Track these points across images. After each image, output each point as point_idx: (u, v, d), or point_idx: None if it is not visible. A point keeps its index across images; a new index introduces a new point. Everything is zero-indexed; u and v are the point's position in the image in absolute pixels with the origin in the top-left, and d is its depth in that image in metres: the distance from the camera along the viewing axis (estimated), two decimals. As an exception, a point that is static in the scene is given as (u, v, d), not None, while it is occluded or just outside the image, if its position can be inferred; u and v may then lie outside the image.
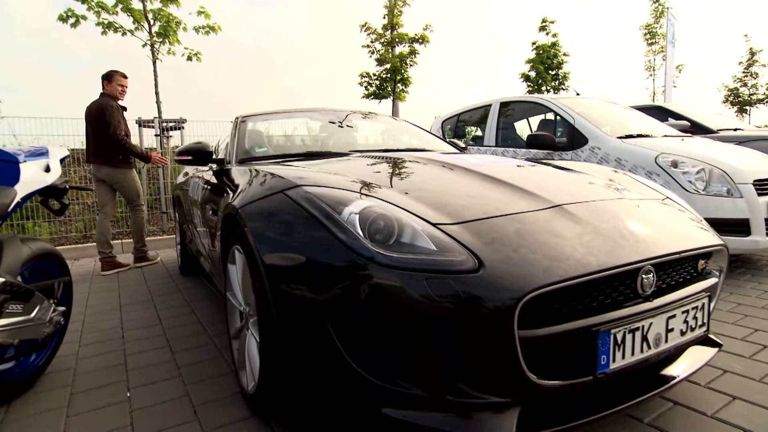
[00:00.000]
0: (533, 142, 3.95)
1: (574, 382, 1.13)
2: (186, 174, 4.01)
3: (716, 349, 1.55)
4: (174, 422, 1.59)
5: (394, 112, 11.55)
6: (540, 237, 1.18)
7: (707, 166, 3.14)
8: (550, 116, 4.35)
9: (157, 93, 8.00)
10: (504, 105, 4.78)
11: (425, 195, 1.39)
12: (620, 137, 3.62)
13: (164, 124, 7.01)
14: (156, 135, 6.26)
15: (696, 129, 5.56)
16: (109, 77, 4.14)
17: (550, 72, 13.42)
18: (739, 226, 3.08)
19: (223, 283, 1.91)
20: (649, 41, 16.99)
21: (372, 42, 11.31)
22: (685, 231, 1.44)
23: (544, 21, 13.45)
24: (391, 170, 1.71)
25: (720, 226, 3.07)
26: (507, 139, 4.69)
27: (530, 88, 13.81)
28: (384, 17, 11.37)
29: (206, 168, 2.75)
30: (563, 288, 1.09)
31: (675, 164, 3.20)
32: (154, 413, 1.66)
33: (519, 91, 14.23)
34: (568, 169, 1.88)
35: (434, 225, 1.20)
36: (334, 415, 1.27)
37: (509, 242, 1.16)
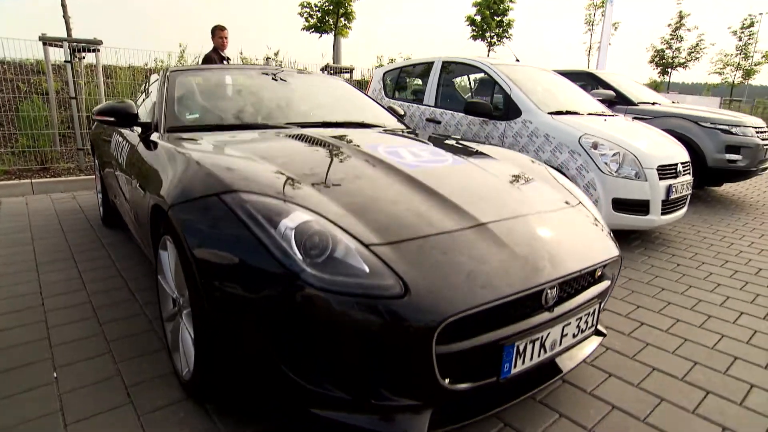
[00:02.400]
0: (471, 109, 4.04)
1: (480, 384, 1.32)
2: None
3: (601, 338, 1.82)
4: (108, 406, 1.62)
5: (336, 48, 11.00)
6: (462, 261, 1.30)
7: (622, 150, 3.43)
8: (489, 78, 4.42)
9: (63, 6, 7.03)
10: (446, 64, 4.77)
11: (359, 205, 1.44)
12: (551, 113, 3.81)
13: (74, 45, 6.20)
14: (66, 61, 5.54)
15: (620, 99, 5.94)
16: (212, 32, 5.27)
17: (495, 18, 13.31)
18: (640, 206, 3.45)
19: (154, 265, 1.88)
20: (592, -6, 17.22)
21: (315, -33, 10.45)
22: (590, 245, 1.63)
23: (494, -38, 13.08)
24: (326, 165, 1.72)
25: (625, 205, 3.44)
26: (446, 99, 4.74)
27: (474, 33, 13.69)
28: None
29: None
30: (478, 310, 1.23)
31: (595, 146, 3.46)
32: (85, 396, 1.67)
33: (463, 33, 14.08)
34: (492, 170, 1.95)
35: (367, 246, 1.27)
36: (267, 409, 1.38)
37: (434, 266, 1.27)
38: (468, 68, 4.70)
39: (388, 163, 1.73)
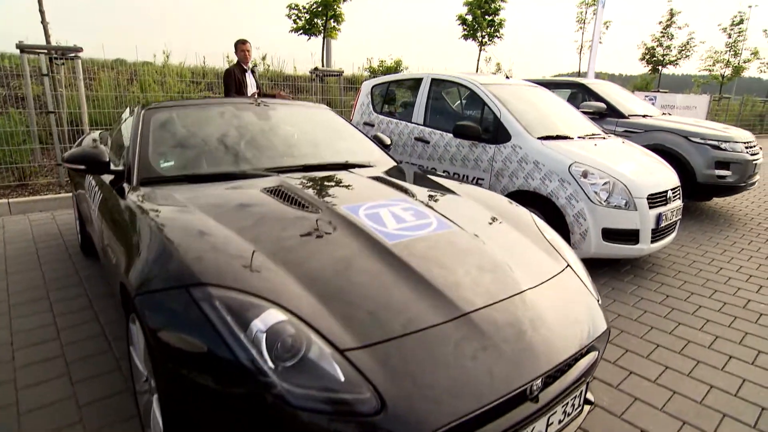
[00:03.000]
0: (459, 132, 3.97)
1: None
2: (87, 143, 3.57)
3: (589, 406, 1.77)
4: (74, 493, 1.55)
5: (326, 51, 10.83)
6: (442, 365, 1.23)
7: (612, 179, 3.38)
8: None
9: (41, 11, 6.77)
10: (435, 81, 4.67)
11: (336, 294, 1.37)
12: (541, 137, 3.74)
13: (53, 53, 5.98)
14: (44, 74, 5.36)
15: (611, 111, 5.89)
16: (235, 46, 5.33)
17: (486, 17, 13.18)
18: (630, 236, 3.41)
19: (126, 336, 1.80)
20: (584, -8, 17.11)
21: (303, -32, 10.22)
22: (578, 324, 1.56)
23: (485, -39, 12.93)
24: (303, 238, 1.63)
25: (615, 234, 3.40)
26: (435, 117, 4.64)
27: (466, 32, 13.56)
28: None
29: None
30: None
31: (585, 175, 3.40)
32: (51, 480, 1.60)
33: (454, 33, 13.96)
34: (476, 231, 1.86)
35: (342, 352, 1.20)
36: None
37: (413, 373, 1.20)
38: (457, 87, 4.61)
39: (368, 234, 1.65)
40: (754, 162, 5.33)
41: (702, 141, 5.23)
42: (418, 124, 4.61)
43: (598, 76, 19.29)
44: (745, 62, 20.52)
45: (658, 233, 3.52)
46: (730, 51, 20.12)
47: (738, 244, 4.48)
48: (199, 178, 2.19)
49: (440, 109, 4.76)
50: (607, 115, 5.86)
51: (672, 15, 18.10)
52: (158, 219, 1.70)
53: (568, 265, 1.86)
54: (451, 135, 4.20)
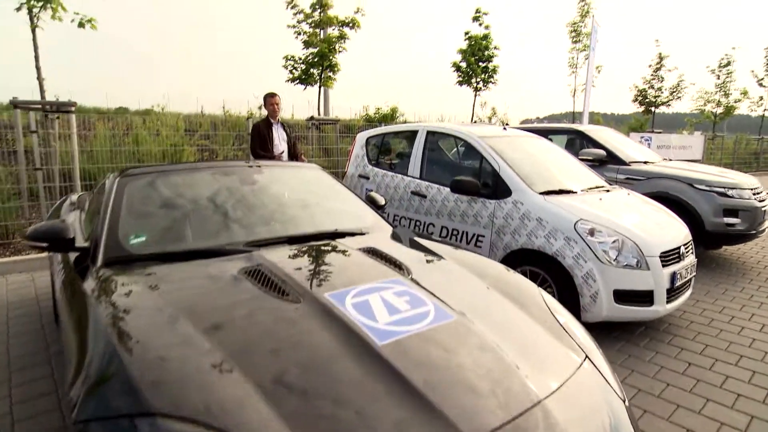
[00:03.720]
0: (457, 187, 3.80)
1: None
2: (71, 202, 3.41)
3: None
4: None
5: (324, 99, 10.95)
6: None
7: (621, 236, 3.18)
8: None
9: (38, 68, 6.80)
10: (431, 134, 4.57)
11: (310, 418, 1.13)
12: (543, 192, 3.57)
13: (47, 108, 5.95)
14: (32, 131, 5.28)
15: (611, 158, 5.79)
16: (264, 101, 5.13)
17: (480, 64, 13.45)
18: (644, 297, 3.18)
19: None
20: (574, 39, 17.63)
21: (299, 23, 10.48)
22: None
23: (477, 12, 13.34)
24: (279, 338, 1.40)
25: (627, 296, 3.16)
26: (432, 170, 4.49)
27: (461, 79, 13.80)
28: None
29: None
30: None
31: (592, 232, 3.20)
32: None
33: (449, 79, 14.23)
34: (479, 319, 1.61)
35: None
36: None
37: None
38: (454, 139, 4.49)
39: (354, 332, 1.42)
40: (763, 209, 5.16)
41: (707, 188, 5.08)
42: (414, 178, 4.46)
43: (592, 116, 19.55)
44: (735, 102, 20.85)
45: (673, 292, 3.29)
46: (720, 91, 20.49)
47: (756, 297, 4.23)
48: (172, 256, 1.98)
49: (437, 161, 4.63)
50: (607, 162, 5.75)
51: (661, 59, 18.56)
52: (111, 317, 1.48)
53: (587, 356, 1.62)
54: (446, 190, 4.04)
